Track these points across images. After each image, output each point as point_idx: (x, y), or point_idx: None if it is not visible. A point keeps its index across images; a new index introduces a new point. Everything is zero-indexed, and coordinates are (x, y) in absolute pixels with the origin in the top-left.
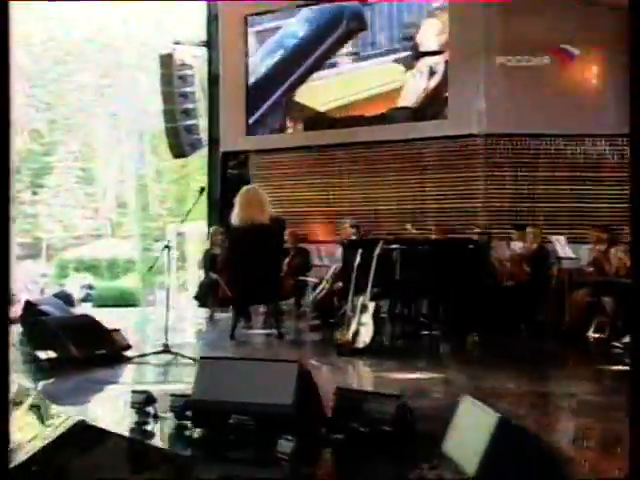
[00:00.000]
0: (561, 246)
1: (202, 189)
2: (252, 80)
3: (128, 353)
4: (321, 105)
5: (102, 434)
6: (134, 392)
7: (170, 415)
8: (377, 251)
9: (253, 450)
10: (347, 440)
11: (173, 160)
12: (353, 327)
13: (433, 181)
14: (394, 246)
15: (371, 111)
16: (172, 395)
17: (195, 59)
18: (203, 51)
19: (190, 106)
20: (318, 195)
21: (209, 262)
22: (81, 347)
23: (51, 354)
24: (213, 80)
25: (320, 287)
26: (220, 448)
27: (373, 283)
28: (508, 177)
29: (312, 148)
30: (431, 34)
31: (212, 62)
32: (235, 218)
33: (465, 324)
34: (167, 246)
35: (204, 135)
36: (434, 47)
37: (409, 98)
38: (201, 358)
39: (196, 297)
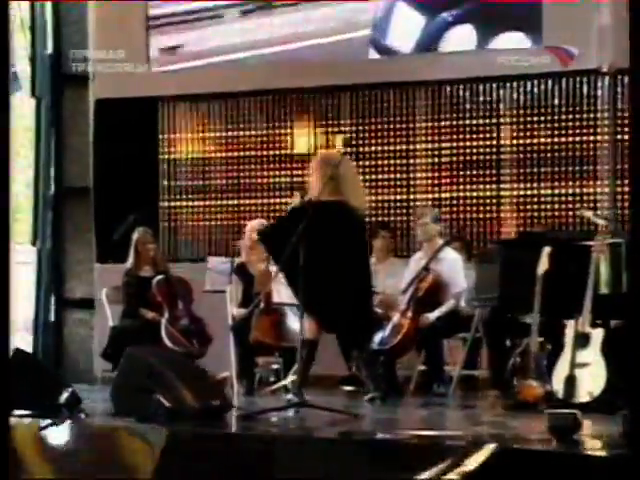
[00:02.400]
0: None
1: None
2: None
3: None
4: None
5: None
6: (552, 414)
7: None
8: (597, 247)
9: None
10: None
11: None
12: (562, 371)
13: (509, 149)
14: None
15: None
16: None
17: None
18: None
19: None
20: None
21: (135, 292)
22: (196, 394)
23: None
24: None
25: (393, 322)
26: None
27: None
28: None
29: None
30: None
31: None
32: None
33: None
34: None
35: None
36: None
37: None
38: None
39: (106, 352)
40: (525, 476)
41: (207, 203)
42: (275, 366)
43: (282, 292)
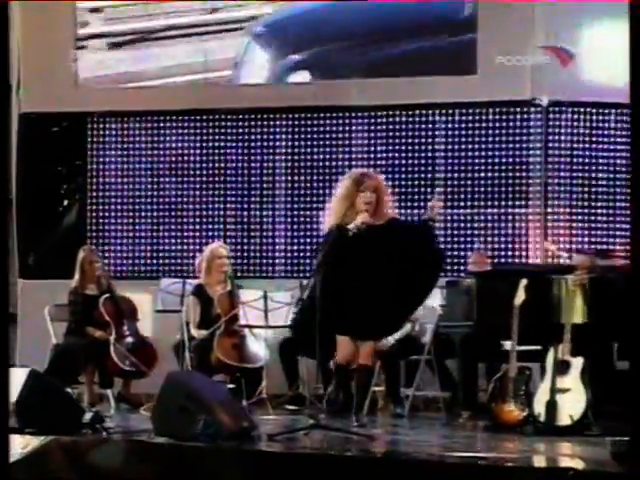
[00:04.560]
0: None
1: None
2: None
3: None
4: None
5: None
6: (614, 441)
7: None
8: (575, 278)
9: None
10: None
11: None
12: (543, 396)
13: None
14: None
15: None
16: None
17: None
18: None
19: None
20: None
21: (81, 310)
22: (230, 415)
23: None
24: None
25: None
26: None
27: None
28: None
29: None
30: None
31: None
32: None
33: None
34: None
35: None
36: None
37: None
38: None
39: (50, 370)
40: None
41: (135, 221)
42: (230, 386)
43: (248, 314)
